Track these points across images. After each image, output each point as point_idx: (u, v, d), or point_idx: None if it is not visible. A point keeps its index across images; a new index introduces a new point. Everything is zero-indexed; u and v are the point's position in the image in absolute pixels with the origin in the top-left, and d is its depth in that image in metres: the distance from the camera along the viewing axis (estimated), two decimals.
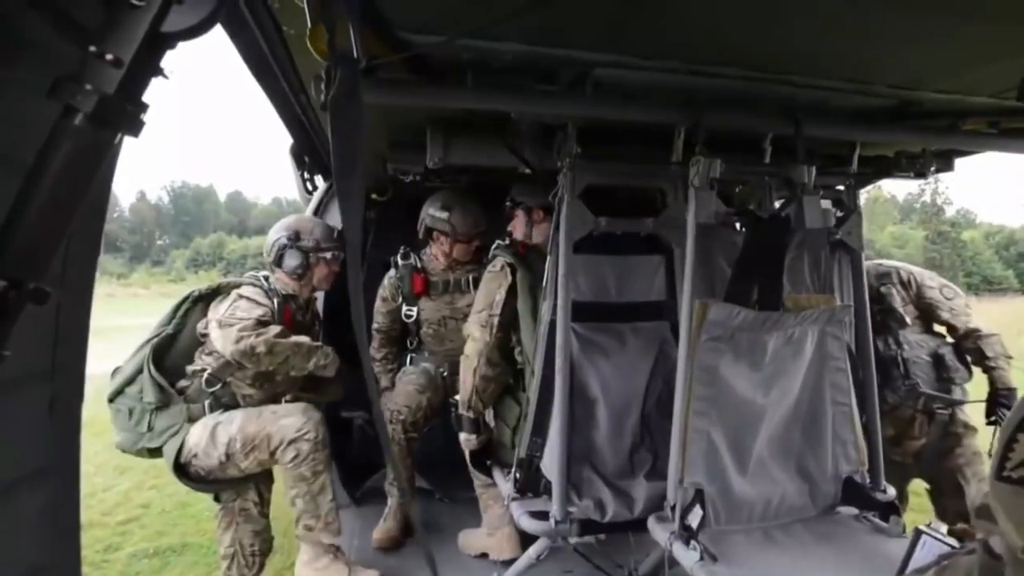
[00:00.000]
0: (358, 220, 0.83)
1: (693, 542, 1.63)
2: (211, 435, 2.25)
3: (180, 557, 3.86)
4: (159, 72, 0.56)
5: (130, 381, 2.30)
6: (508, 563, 2.37)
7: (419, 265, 2.97)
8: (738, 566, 1.60)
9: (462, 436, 2.35)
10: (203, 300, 2.44)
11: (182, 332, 2.40)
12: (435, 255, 2.98)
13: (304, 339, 2.38)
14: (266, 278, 2.51)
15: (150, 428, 2.28)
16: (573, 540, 1.93)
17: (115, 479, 5.27)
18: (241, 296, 2.34)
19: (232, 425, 2.26)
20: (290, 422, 2.27)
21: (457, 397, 2.34)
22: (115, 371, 2.37)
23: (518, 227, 2.41)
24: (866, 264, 2.79)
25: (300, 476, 2.28)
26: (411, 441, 2.83)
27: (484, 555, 2.60)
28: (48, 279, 0.58)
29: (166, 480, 4.95)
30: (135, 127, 0.56)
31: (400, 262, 2.98)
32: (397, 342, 3.13)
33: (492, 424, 2.39)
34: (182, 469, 2.28)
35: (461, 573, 2.53)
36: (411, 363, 3.08)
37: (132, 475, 5.30)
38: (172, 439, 2.27)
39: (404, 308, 2.99)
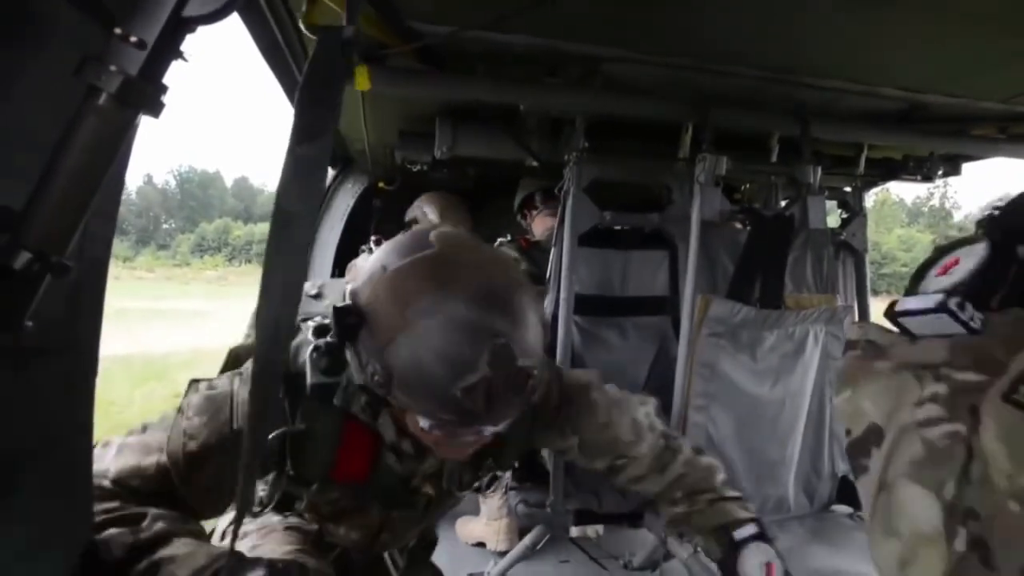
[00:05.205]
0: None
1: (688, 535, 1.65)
2: None
3: None
4: (179, 55, 0.58)
5: None
6: (505, 554, 2.39)
7: None
8: None
9: None
10: None
11: None
12: None
13: None
14: None
15: None
16: (572, 532, 1.95)
17: None
18: None
19: None
20: None
21: None
22: None
23: (541, 223, 2.40)
24: None
25: None
26: None
27: (481, 544, 2.63)
28: (69, 255, 0.60)
29: None
30: (156, 107, 0.58)
31: None
32: None
33: None
34: None
35: (457, 560, 2.55)
36: None
37: None
38: None
39: None
